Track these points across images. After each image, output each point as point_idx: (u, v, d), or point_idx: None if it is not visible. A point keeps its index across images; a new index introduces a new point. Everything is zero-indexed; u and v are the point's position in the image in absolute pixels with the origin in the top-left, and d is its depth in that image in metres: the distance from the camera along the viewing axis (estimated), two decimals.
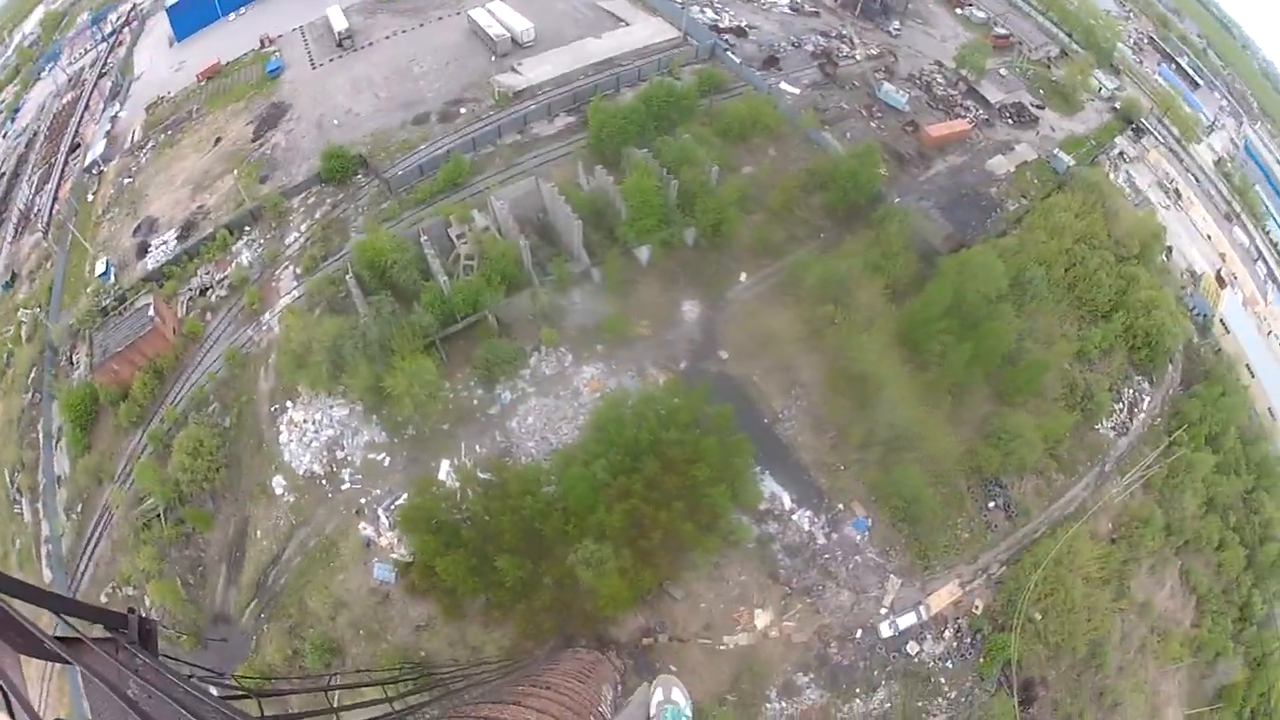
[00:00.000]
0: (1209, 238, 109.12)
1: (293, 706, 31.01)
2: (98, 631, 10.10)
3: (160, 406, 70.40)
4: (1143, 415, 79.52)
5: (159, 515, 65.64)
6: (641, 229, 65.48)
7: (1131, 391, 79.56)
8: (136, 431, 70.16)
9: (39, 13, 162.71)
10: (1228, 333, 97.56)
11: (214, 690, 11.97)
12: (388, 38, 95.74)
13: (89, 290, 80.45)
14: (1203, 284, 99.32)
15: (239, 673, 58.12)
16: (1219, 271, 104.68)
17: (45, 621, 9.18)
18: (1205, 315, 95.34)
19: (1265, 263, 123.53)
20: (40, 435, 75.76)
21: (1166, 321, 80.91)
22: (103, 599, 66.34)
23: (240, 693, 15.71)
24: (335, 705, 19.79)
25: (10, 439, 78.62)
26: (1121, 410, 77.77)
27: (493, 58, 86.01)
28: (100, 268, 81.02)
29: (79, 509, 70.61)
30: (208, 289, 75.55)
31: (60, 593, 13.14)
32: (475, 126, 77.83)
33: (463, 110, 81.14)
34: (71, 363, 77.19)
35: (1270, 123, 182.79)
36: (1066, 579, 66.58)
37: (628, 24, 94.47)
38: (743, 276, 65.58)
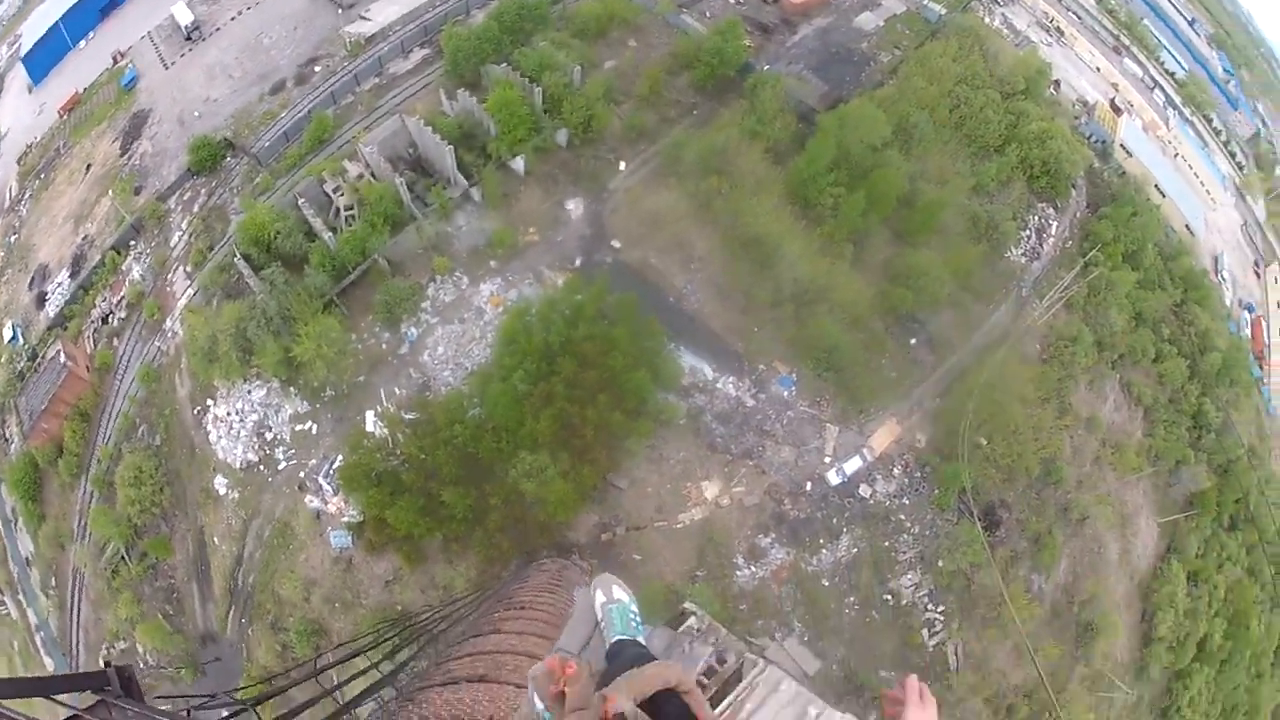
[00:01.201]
0: (1098, 70, 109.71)
1: (296, 699, 30.58)
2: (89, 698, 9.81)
3: (94, 449, 69.46)
4: (1052, 240, 79.88)
5: (123, 557, 65.50)
6: (512, 140, 64.63)
7: (1036, 218, 79.76)
8: (79, 482, 69.41)
9: None
10: (1130, 156, 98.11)
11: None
12: (234, 19, 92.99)
13: (2, 360, 78.71)
14: (1097, 112, 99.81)
15: (242, 684, 58.04)
16: (1113, 100, 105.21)
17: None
18: (1104, 141, 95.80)
19: (1162, 90, 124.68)
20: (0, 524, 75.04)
21: (1063, 150, 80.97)
22: (100, 662, 65.81)
23: (239, 707, 15.81)
24: (333, 685, 19.13)
25: None
26: (1030, 237, 78.01)
27: (339, 10, 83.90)
28: (8, 333, 78.85)
29: (53, 584, 70.23)
30: (109, 316, 73.89)
31: (54, 674, 12.81)
32: (332, 81, 76.32)
33: (317, 69, 79.51)
34: (5, 439, 75.42)
35: None
36: (1004, 403, 66.97)
37: None
38: (621, 165, 64.85)
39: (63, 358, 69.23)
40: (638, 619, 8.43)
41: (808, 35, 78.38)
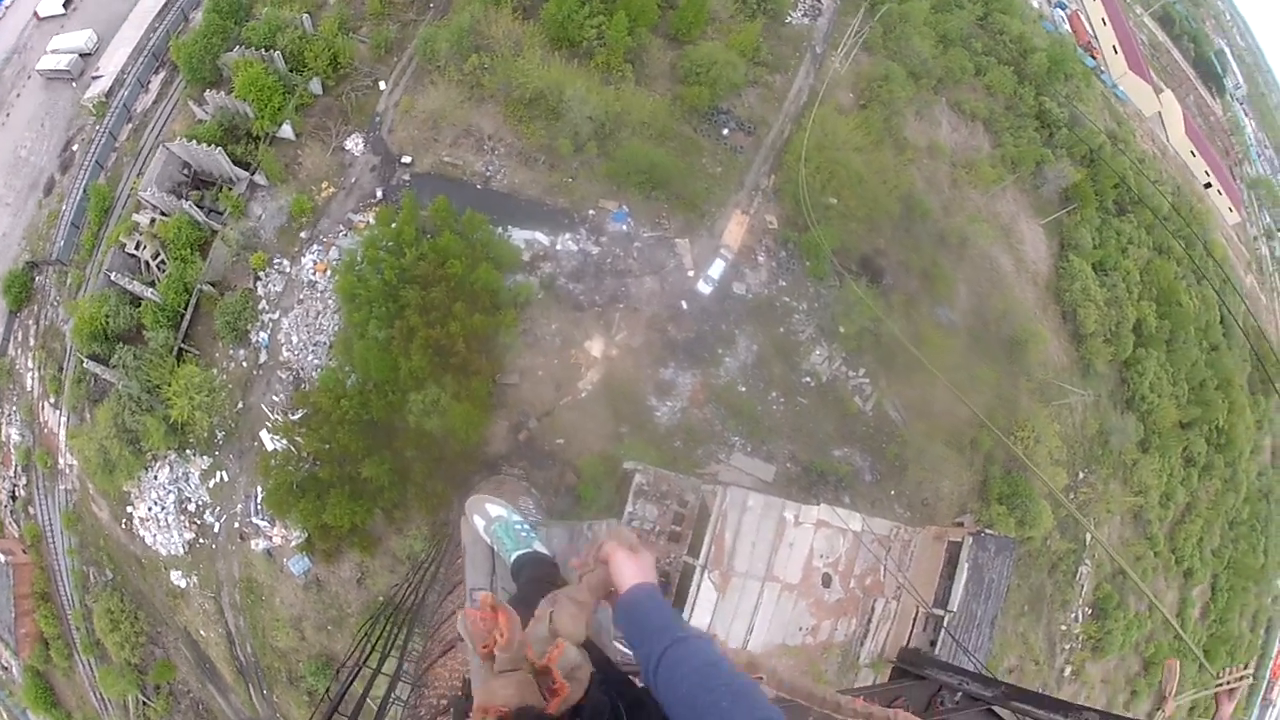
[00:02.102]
0: None
1: None
2: None
3: (69, 621, 68.43)
4: None
5: (144, 703, 65.96)
6: (272, 113, 62.67)
7: None
8: (75, 661, 68.75)
9: None
10: None
11: None
12: None
13: None
14: None
15: None
16: None
17: None
18: None
19: None
20: None
21: None
22: None
23: None
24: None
25: None
26: None
27: (73, 85, 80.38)
28: None
29: None
30: (13, 492, 71.98)
31: None
32: (92, 151, 73.32)
33: (75, 147, 76.36)
34: (4, 667, 73.33)
35: None
36: (838, 157, 67.33)
37: None
38: (382, 85, 63.38)
39: (1, 558, 68.01)
40: (525, 526, 7.86)
41: None
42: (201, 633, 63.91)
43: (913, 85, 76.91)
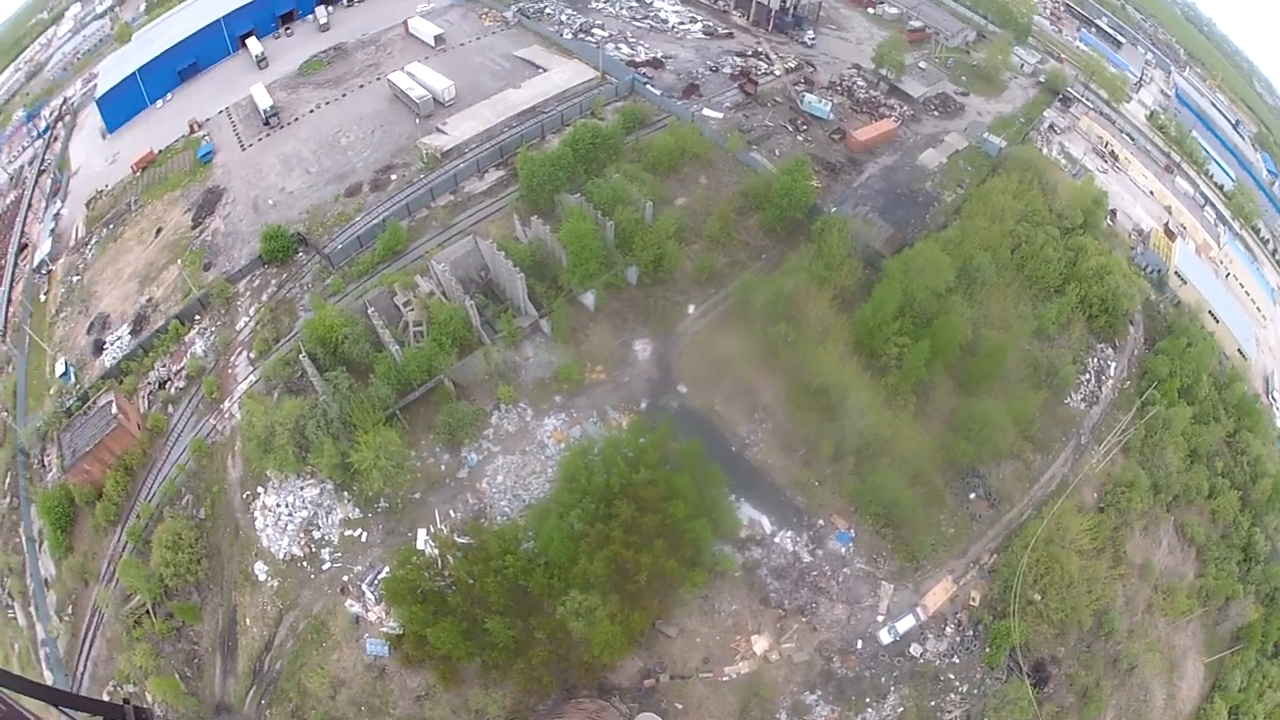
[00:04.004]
0: (1151, 193, 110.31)
1: None
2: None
3: (135, 503, 69.65)
4: (1110, 381, 79.90)
5: (148, 611, 64.89)
6: (584, 274, 65.35)
7: (1096, 360, 79.99)
8: (115, 530, 69.49)
9: None
10: (1184, 283, 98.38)
11: None
12: (312, 111, 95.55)
13: (51, 392, 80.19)
14: (1152, 240, 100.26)
15: None
16: (1166, 225, 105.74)
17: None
18: (1159, 271, 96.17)
19: (1213, 206, 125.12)
20: (23, 539, 75.10)
21: (1120, 285, 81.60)
22: (105, 697, 65.16)
23: None
24: None
25: None
26: (1089, 380, 78.12)
27: (417, 120, 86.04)
28: (60, 368, 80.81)
29: (69, 611, 69.86)
30: (166, 382, 75.05)
31: (75, 693, 13.79)
32: (407, 192, 77.68)
33: (393, 177, 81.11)
34: (44, 465, 76.56)
35: (1199, 65, 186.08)
36: (1060, 555, 66.40)
37: (545, 70, 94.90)
38: (690, 308, 65.47)
39: (114, 409, 70.15)
40: None
41: (873, 175, 79.53)
42: (247, 621, 64.15)
43: (1151, 498, 75.54)
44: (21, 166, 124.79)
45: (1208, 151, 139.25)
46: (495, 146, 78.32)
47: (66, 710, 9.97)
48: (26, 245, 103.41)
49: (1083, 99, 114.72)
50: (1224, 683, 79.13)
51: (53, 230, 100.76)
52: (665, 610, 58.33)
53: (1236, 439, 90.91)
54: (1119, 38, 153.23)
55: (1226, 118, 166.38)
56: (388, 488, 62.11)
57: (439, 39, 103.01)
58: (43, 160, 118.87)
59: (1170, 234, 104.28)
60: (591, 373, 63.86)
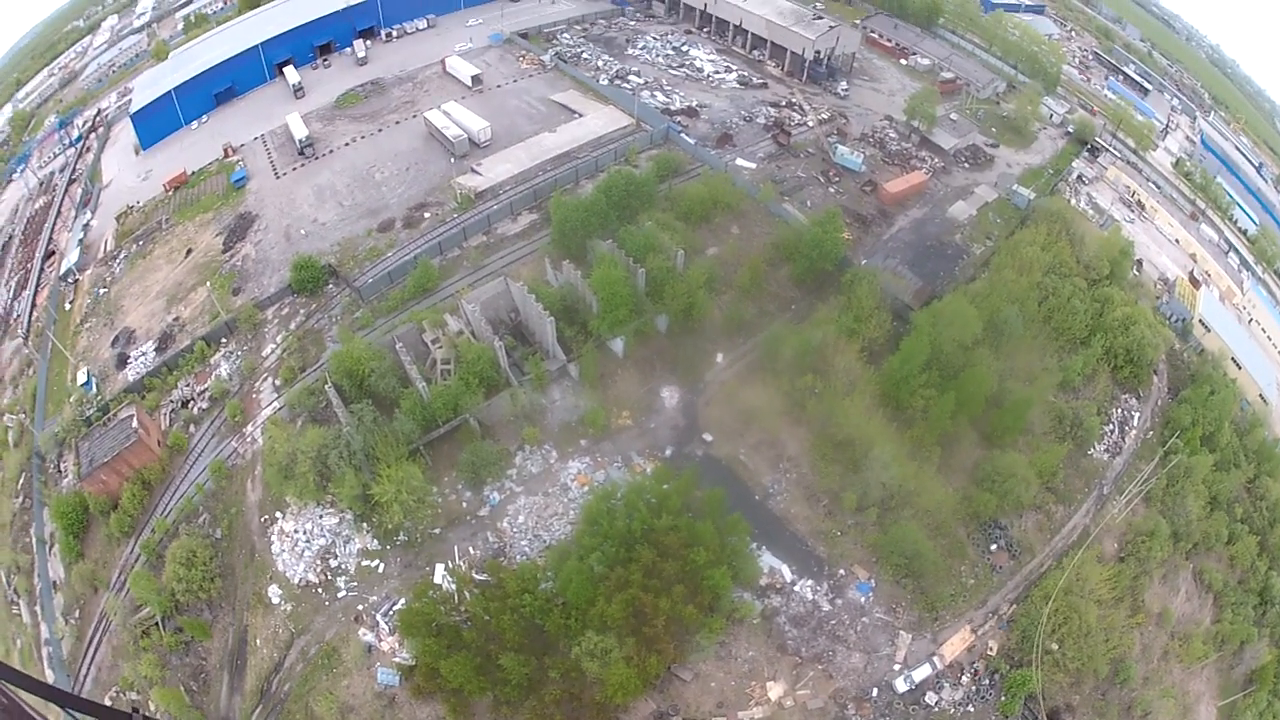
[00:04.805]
0: (1177, 241, 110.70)
1: None
2: None
3: (150, 517, 70.63)
4: (1134, 432, 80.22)
5: (157, 624, 65.73)
6: (613, 320, 66.55)
7: (1120, 411, 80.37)
8: (128, 541, 70.48)
9: (7, 111, 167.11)
10: (1208, 331, 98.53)
11: None
12: (347, 144, 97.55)
13: (72, 400, 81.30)
14: (1177, 289, 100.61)
15: None
16: (1191, 273, 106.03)
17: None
18: (1183, 319, 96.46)
19: (1236, 253, 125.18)
20: (34, 540, 76.24)
21: (1145, 335, 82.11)
22: (106, 702, 66.17)
23: None
24: None
25: (4, 542, 78.93)
26: (1112, 431, 78.49)
27: (451, 159, 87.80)
28: (82, 377, 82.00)
29: (76, 615, 70.84)
30: (189, 401, 76.31)
31: (80, 696, 13.85)
32: (440, 230, 79.14)
33: (426, 215, 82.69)
34: (59, 470, 77.81)
35: (1224, 110, 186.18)
36: (1079, 606, 66.75)
37: (581, 115, 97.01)
38: (719, 357, 66.52)
39: (135, 423, 71.41)
40: None
41: (904, 227, 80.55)
42: (258, 642, 64.53)
43: (1171, 546, 75.70)
44: (52, 173, 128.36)
45: (1232, 196, 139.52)
46: (529, 189, 79.92)
47: (71, 711, 9.86)
48: (54, 252, 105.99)
49: (1110, 148, 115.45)
50: None
51: (81, 240, 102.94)
52: (681, 655, 58.84)
53: (1256, 484, 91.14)
54: (1146, 84, 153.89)
55: (1250, 161, 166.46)
56: (408, 521, 63.20)
57: (476, 79, 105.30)
58: (74, 169, 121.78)
59: (1195, 282, 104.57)
60: (618, 418, 64.98)
